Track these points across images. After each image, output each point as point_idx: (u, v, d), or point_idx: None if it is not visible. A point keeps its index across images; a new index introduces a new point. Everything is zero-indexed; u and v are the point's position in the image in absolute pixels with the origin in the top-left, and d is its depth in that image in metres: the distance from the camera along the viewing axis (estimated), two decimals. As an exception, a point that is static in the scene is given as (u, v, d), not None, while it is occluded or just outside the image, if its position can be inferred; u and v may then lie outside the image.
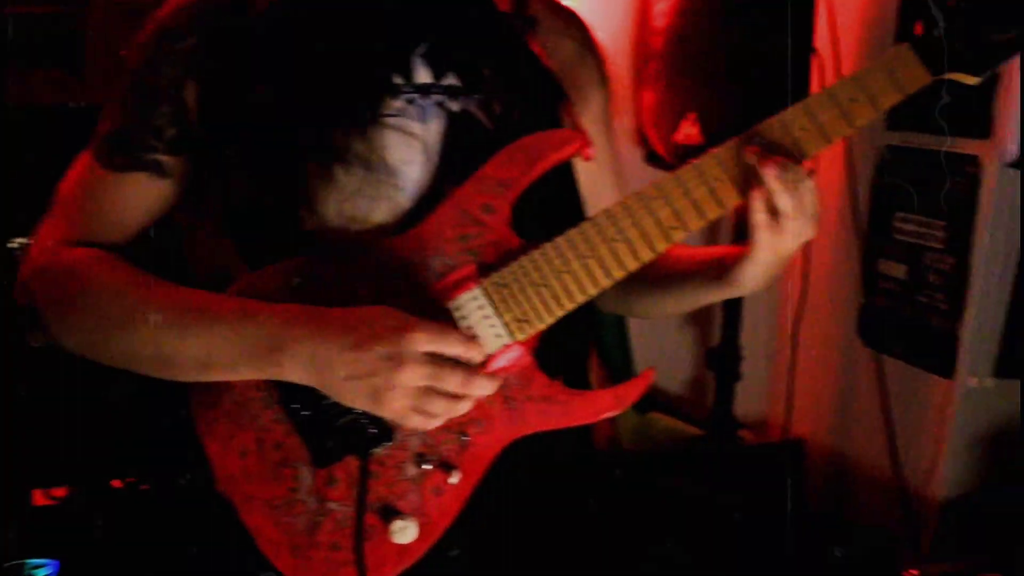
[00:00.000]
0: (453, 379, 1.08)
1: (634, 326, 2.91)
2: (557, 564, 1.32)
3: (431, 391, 1.08)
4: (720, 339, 2.83)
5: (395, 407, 1.09)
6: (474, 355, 1.11)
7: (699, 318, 3.17)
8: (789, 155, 1.17)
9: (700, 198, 1.19)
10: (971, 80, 1.20)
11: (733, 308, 2.80)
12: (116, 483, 2.17)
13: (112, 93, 1.30)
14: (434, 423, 1.11)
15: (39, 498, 2.19)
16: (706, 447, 2.83)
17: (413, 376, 1.07)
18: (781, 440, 3.07)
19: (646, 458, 2.81)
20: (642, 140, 2.90)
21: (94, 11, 2.49)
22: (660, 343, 3.08)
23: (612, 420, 2.88)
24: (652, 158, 2.88)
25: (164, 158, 1.25)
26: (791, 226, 1.18)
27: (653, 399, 3.00)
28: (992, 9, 1.16)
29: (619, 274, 1.19)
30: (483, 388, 1.11)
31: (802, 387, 3.06)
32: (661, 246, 1.19)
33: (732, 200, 1.20)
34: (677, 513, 2.68)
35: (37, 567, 1.93)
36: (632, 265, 1.19)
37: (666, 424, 2.92)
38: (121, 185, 1.25)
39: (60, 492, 2.19)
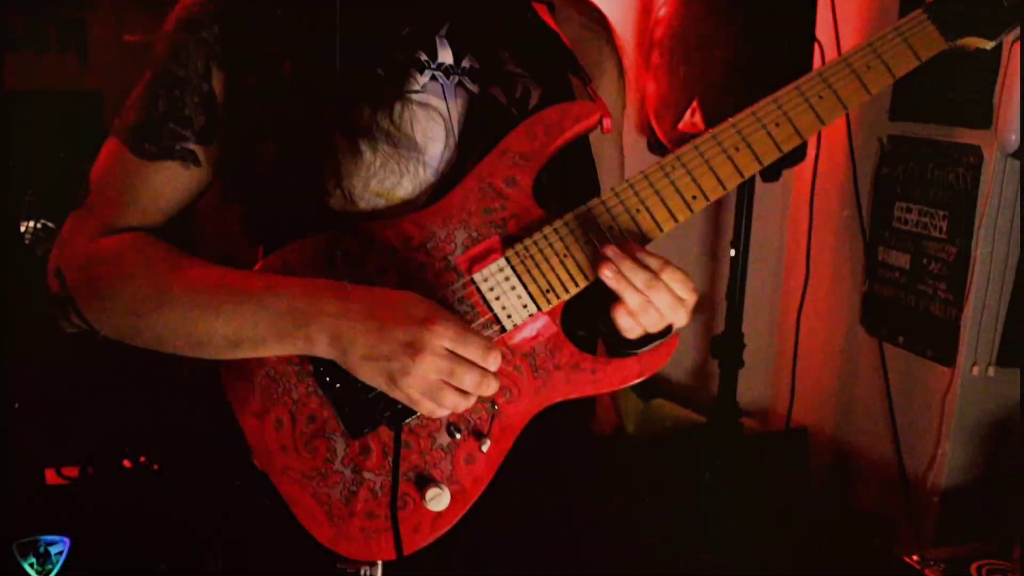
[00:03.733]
0: (468, 379, 1.11)
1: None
2: (557, 547, 1.34)
3: (443, 383, 1.10)
4: (724, 327, 2.84)
5: (408, 392, 1.11)
6: (491, 363, 1.12)
7: (703, 306, 3.19)
8: (638, 240, 1.16)
9: (719, 167, 1.20)
10: (986, 44, 1.21)
11: (736, 296, 2.81)
12: (127, 463, 2.18)
13: (127, 81, 1.32)
14: (441, 413, 1.14)
15: (52, 477, 2.20)
16: (709, 434, 2.84)
17: (430, 367, 1.09)
18: (784, 428, 3.09)
19: (650, 444, 2.82)
20: (646, 128, 2.92)
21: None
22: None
23: (616, 406, 2.90)
24: (655, 147, 2.90)
25: (195, 146, 1.26)
26: (646, 320, 1.16)
27: (657, 386, 3.02)
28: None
29: (639, 244, 1.20)
30: (492, 390, 1.13)
31: (805, 375, 3.08)
32: (682, 215, 1.21)
33: (752, 167, 1.21)
34: (678, 498, 2.70)
35: (50, 543, 1.94)
36: (654, 234, 1.21)
37: (670, 411, 2.93)
38: (154, 173, 1.27)
39: (72, 471, 2.20)
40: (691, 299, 1.16)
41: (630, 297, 1.14)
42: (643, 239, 1.20)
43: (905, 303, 2.80)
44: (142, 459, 2.17)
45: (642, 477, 2.72)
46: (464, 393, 1.12)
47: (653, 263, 1.14)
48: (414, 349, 1.09)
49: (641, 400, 2.94)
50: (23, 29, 2.46)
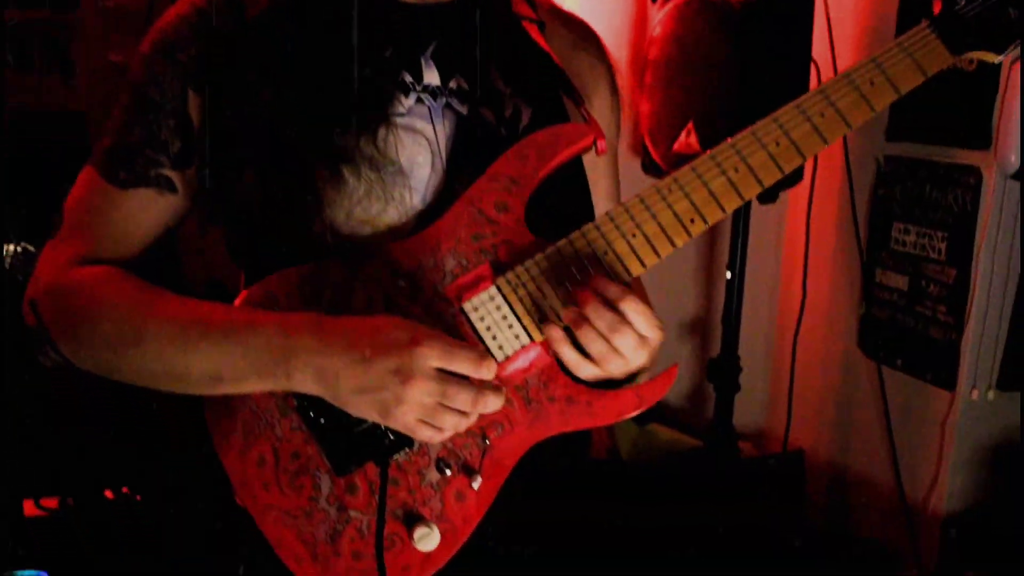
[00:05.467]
0: (462, 397, 1.06)
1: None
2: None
3: (439, 406, 1.06)
4: (720, 350, 2.80)
5: (404, 421, 1.07)
6: (484, 373, 1.08)
7: (699, 329, 3.15)
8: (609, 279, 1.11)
9: (718, 189, 1.16)
10: (994, 58, 1.17)
11: (732, 319, 2.78)
12: (108, 494, 2.13)
13: (111, 102, 1.28)
14: (443, 436, 1.09)
15: (30, 508, 2.15)
16: (705, 459, 2.80)
17: (422, 392, 1.05)
18: (781, 452, 3.04)
19: (645, 469, 2.78)
20: (639, 149, 2.89)
21: (83, 17, 2.48)
22: (660, 354, 3.05)
23: (611, 431, 2.85)
24: (649, 167, 2.86)
25: (170, 172, 1.23)
26: (610, 367, 1.11)
27: (652, 410, 2.97)
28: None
29: (638, 270, 1.16)
30: (493, 405, 1.09)
31: (802, 398, 3.04)
32: (680, 239, 1.16)
33: (752, 189, 1.17)
34: (676, 525, 2.66)
35: (27, 580, 1.89)
36: (651, 261, 1.16)
37: (666, 435, 2.89)
38: (128, 201, 1.23)
39: (51, 503, 2.15)
40: (655, 337, 1.11)
41: (593, 346, 1.09)
42: (640, 265, 1.16)
43: (903, 325, 2.76)
44: (124, 490, 2.12)
45: (637, 502, 2.67)
46: (462, 413, 1.08)
47: (613, 293, 1.08)
48: (403, 375, 1.04)
49: (636, 424, 2.89)
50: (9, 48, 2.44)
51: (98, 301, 1.18)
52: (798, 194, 3.04)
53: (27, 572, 1.87)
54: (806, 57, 2.63)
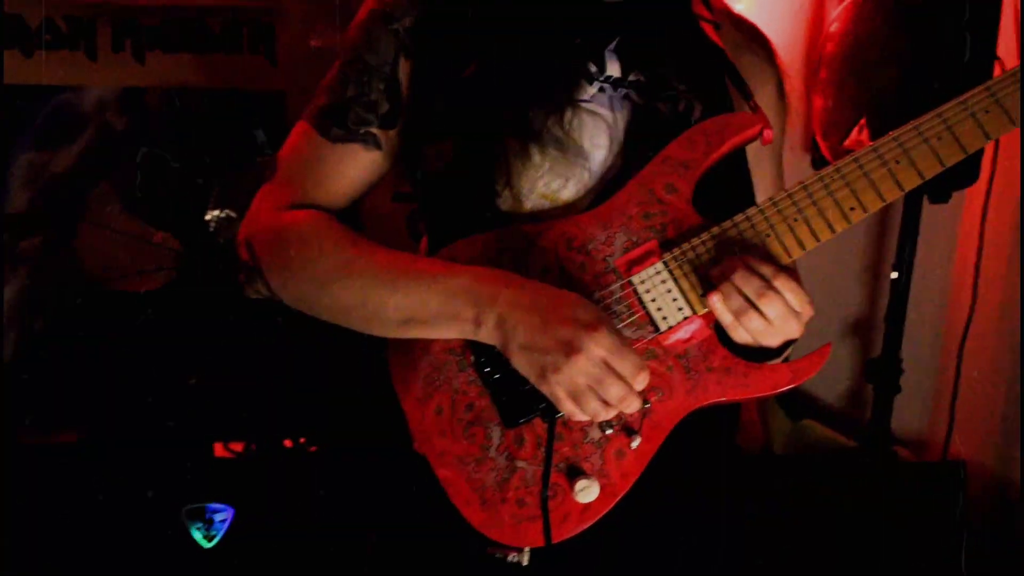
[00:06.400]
0: (615, 391, 1.14)
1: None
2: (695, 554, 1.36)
3: (589, 389, 1.14)
4: (881, 350, 2.75)
5: (555, 389, 1.15)
6: (640, 382, 1.15)
7: (861, 327, 3.09)
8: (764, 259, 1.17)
9: (879, 179, 1.20)
10: None
11: (896, 319, 2.72)
12: (287, 442, 2.30)
13: (311, 82, 1.41)
14: (580, 417, 1.17)
15: (220, 450, 2.35)
16: (860, 460, 2.76)
17: (581, 370, 1.13)
18: (940, 460, 2.96)
19: (798, 464, 2.76)
20: (810, 145, 2.87)
21: (287, 5, 2.67)
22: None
23: (765, 423, 2.85)
24: (820, 164, 2.84)
25: (378, 131, 1.34)
26: (753, 327, 1.17)
27: (807, 406, 2.95)
28: None
29: (797, 252, 1.21)
30: (634, 407, 1.16)
31: (966, 406, 2.95)
32: (840, 225, 1.21)
33: (912, 181, 1.20)
34: (821, 524, 2.63)
35: (215, 511, 2.08)
36: (810, 244, 1.21)
37: (819, 432, 2.86)
38: (338, 155, 1.35)
39: (238, 446, 2.33)
40: (805, 311, 1.17)
41: (744, 316, 1.16)
42: (799, 248, 1.21)
43: (1081, 336, 2.64)
44: (302, 440, 2.29)
45: (788, 497, 2.66)
46: (606, 404, 1.15)
47: (766, 270, 1.15)
48: (571, 348, 1.12)
49: (790, 419, 2.88)
50: (217, 30, 2.65)
51: (310, 240, 1.30)
52: (973, 195, 2.94)
53: (217, 505, 2.06)
54: (990, 54, 2.55)
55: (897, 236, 2.73)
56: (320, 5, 2.45)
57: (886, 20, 2.61)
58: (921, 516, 2.71)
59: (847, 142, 2.68)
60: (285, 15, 2.64)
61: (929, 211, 2.74)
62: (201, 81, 2.62)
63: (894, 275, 2.72)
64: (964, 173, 2.54)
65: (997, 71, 2.57)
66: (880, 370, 2.74)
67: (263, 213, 1.36)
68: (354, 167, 1.36)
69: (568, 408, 1.16)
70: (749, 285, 1.15)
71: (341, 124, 1.34)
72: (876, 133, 2.59)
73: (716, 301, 1.17)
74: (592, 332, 1.13)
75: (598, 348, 1.12)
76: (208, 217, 2.29)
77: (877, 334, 2.89)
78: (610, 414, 1.16)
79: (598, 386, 1.13)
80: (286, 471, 2.26)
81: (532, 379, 1.17)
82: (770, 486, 2.63)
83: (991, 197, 2.86)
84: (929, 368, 3.14)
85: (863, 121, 2.64)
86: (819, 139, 2.82)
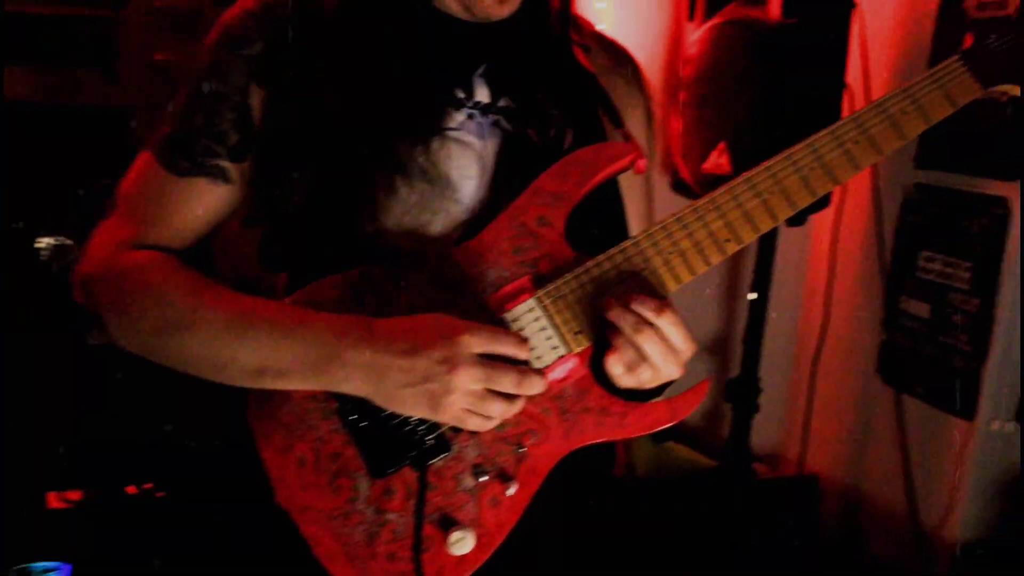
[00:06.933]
0: (507, 379, 1.09)
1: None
2: None
3: (487, 393, 1.09)
4: (740, 370, 2.80)
5: (453, 411, 1.09)
6: (524, 354, 1.11)
7: (717, 349, 3.15)
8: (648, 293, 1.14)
9: (753, 210, 1.19)
10: (1018, 92, 1.21)
11: (753, 340, 2.78)
12: (131, 489, 2.14)
13: (156, 99, 1.30)
14: (491, 424, 1.12)
15: (53, 501, 2.17)
16: (720, 479, 2.80)
17: (468, 378, 1.07)
18: (796, 475, 3.05)
19: (660, 487, 2.78)
20: (669, 167, 2.90)
21: (129, 15, 2.51)
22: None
23: (627, 447, 2.86)
24: (679, 186, 2.88)
25: (227, 164, 1.24)
26: (644, 376, 1.15)
27: (669, 428, 2.98)
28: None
29: (673, 286, 1.19)
30: (537, 386, 1.11)
31: (819, 422, 3.04)
32: (715, 258, 1.19)
33: (785, 212, 1.19)
34: (689, 543, 2.66)
35: (47, 571, 1.89)
36: (687, 278, 1.19)
37: (681, 454, 2.90)
38: (184, 190, 1.25)
39: (75, 495, 2.16)
40: (686, 350, 1.14)
41: (621, 342, 1.12)
42: (675, 282, 1.19)
43: (924, 354, 2.76)
44: (147, 486, 2.14)
45: (651, 521, 2.68)
46: (509, 398, 1.10)
47: (649, 305, 1.11)
48: (449, 364, 1.07)
49: (652, 443, 2.90)
50: (54, 43, 2.47)
51: (151, 285, 1.19)
52: (824, 218, 3.04)
53: (47, 564, 1.88)
54: (840, 82, 2.65)
55: (754, 258, 2.78)
56: (169, 16, 2.31)
57: (742, 45, 2.67)
58: (779, 528, 2.78)
59: (706, 165, 2.73)
60: (127, 26, 2.47)
61: (785, 234, 2.81)
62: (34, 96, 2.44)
63: (752, 296, 2.78)
64: (820, 198, 2.61)
65: (845, 99, 2.67)
66: (739, 390, 2.79)
67: (101, 252, 1.25)
68: (201, 203, 1.26)
69: (476, 423, 1.11)
70: (625, 321, 1.11)
71: (188, 156, 1.24)
72: (735, 156, 2.64)
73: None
74: (458, 336, 1.08)
75: (471, 348, 1.08)
76: (40, 244, 2.11)
77: (734, 354, 2.95)
78: (519, 406, 1.11)
79: (492, 383, 1.08)
80: (129, 521, 2.10)
81: (425, 414, 1.11)
82: (635, 509, 2.65)
83: (841, 220, 2.97)
84: (784, 386, 3.23)
85: (723, 145, 2.68)
86: (678, 161, 2.85)
